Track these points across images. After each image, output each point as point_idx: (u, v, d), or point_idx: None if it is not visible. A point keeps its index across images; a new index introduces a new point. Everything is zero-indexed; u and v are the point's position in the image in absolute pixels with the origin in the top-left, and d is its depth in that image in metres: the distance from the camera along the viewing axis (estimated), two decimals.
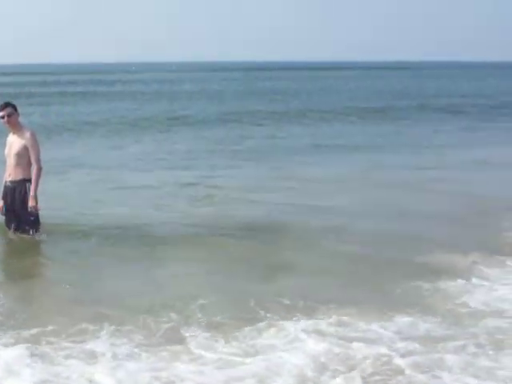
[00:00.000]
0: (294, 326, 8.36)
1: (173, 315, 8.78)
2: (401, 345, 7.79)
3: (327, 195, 16.56)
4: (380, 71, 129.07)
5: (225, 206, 15.28)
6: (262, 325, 8.46)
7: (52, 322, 8.61)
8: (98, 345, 7.97)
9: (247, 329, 8.36)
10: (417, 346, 7.75)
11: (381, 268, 10.83)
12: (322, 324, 8.45)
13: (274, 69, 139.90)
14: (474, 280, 10.15)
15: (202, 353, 7.73)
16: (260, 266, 10.96)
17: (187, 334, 8.24)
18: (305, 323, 8.47)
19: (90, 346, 7.96)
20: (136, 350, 7.83)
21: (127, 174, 19.57)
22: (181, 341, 8.08)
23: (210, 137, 28.96)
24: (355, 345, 7.78)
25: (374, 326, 8.35)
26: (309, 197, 16.34)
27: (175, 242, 12.24)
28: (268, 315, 8.77)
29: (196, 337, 8.15)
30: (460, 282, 10.06)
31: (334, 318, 8.60)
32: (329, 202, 15.62)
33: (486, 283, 10.05)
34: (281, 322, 8.52)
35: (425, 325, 8.39)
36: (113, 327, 8.42)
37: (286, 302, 9.22)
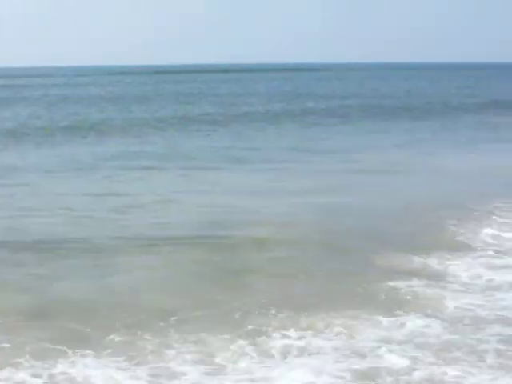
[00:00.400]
0: (297, 341, 7.83)
1: (151, 334, 8.04)
2: (416, 354, 7.40)
3: (253, 198, 15.91)
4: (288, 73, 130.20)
5: (153, 214, 14.37)
6: (254, 341, 7.83)
7: (8, 340, 7.79)
8: (75, 370, 7.20)
9: (240, 346, 7.70)
10: (430, 355, 7.39)
11: (348, 268, 10.46)
12: (321, 335, 7.99)
13: (180, 72, 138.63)
14: (446, 282, 9.85)
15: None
16: (224, 272, 10.39)
17: (173, 355, 7.49)
18: (303, 336, 7.96)
19: (63, 369, 7.17)
20: (120, 376, 7.05)
21: (34, 181, 18.16)
22: (169, 367, 7.26)
23: (109, 142, 27.63)
24: (371, 359, 7.34)
25: (380, 333, 7.96)
26: (232, 200, 15.63)
27: (121, 252, 11.40)
28: (256, 329, 8.16)
29: (185, 362, 7.36)
30: (431, 283, 9.78)
31: (331, 327, 8.20)
32: (259, 205, 14.99)
33: (455, 285, 9.75)
34: (275, 336, 7.96)
35: (431, 331, 7.99)
36: (86, 348, 7.66)
37: (272, 312, 8.66)
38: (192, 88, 74.94)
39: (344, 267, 10.49)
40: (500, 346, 7.54)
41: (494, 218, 13.56)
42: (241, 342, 7.79)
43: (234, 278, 9.98)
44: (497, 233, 12.49)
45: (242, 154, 23.64)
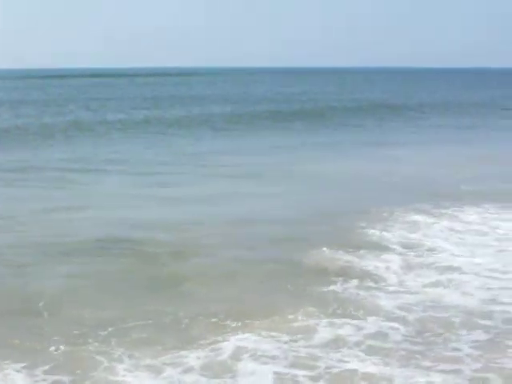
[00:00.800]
0: (252, 345, 7.51)
1: (95, 345, 7.50)
2: (372, 359, 7.21)
3: (146, 206, 15.15)
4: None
5: (49, 221, 13.45)
6: (207, 351, 7.44)
7: None
8: None
9: (195, 358, 7.27)
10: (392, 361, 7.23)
11: (282, 270, 10.17)
12: (276, 339, 7.69)
13: (48, 76, 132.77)
14: (378, 282, 9.83)
15: None
16: (154, 280, 9.82)
17: (124, 372, 6.95)
18: (247, 343, 7.61)
19: None
20: None
21: None
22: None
23: None
24: (336, 364, 7.10)
25: (336, 336, 7.73)
26: (125, 208, 14.91)
27: (36, 262, 10.64)
28: (204, 337, 7.76)
29: (140, 378, 6.85)
30: (366, 284, 9.72)
31: (283, 330, 7.89)
32: (158, 213, 14.32)
33: (390, 284, 9.73)
34: (228, 344, 7.56)
35: (394, 336, 7.82)
36: (24, 363, 7.04)
37: (219, 318, 8.29)
38: (61, 94, 71.51)
39: (277, 269, 10.24)
40: (473, 351, 7.48)
41: (394, 220, 13.65)
42: (194, 352, 7.41)
43: (166, 286, 9.50)
44: (405, 233, 12.61)
45: (111, 161, 22.51)
